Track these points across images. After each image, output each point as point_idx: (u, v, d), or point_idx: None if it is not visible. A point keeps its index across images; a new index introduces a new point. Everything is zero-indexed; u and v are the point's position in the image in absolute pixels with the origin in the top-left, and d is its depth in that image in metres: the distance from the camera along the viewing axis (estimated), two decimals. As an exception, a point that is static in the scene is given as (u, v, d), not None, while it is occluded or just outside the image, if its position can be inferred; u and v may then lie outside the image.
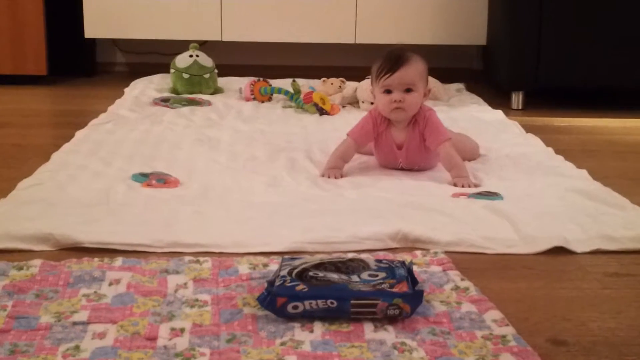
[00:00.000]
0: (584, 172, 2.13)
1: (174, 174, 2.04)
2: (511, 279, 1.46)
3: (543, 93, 3.33)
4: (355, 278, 1.29)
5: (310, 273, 1.30)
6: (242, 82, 3.29)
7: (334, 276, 1.29)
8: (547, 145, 2.44)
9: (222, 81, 3.40)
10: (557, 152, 2.36)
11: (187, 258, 1.48)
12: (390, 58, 2.04)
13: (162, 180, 1.98)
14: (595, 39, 3.04)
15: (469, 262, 1.51)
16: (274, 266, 1.43)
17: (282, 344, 1.16)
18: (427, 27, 3.62)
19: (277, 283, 1.27)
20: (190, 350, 1.13)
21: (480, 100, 3.25)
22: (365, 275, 1.30)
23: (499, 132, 2.64)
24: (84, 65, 3.80)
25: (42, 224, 1.60)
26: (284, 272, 1.30)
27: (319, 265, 1.33)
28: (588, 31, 3.04)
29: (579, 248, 1.59)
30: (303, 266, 1.32)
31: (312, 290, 1.24)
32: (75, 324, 1.20)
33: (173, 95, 3.20)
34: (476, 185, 2.00)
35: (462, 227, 1.66)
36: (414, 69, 2.03)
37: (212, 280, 1.38)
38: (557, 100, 3.33)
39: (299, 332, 1.19)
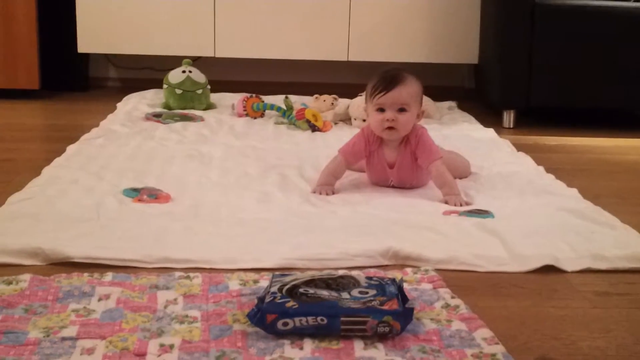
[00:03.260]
0: (575, 190, 2.14)
1: (166, 189, 2.04)
2: (501, 297, 1.46)
3: (534, 112, 3.35)
4: (345, 295, 1.28)
5: (301, 289, 1.29)
6: (235, 98, 3.29)
7: (325, 293, 1.29)
8: (538, 163, 2.45)
9: (214, 97, 3.41)
10: (548, 170, 2.37)
11: (177, 274, 1.47)
12: (385, 77, 2.05)
13: (154, 195, 1.97)
14: (587, 59, 3.06)
15: (459, 280, 1.51)
16: (264, 282, 1.43)
17: (272, 361, 1.15)
18: (420, 46, 3.64)
19: (267, 299, 1.26)
20: (179, 367, 1.13)
21: (472, 118, 3.26)
22: (355, 292, 1.30)
23: (490, 151, 2.65)
24: (76, 80, 3.80)
25: (32, 239, 1.60)
26: (274, 289, 1.30)
27: (310, 282, 1.33)
28: (579, 51, 3.06)
29: (569, 267, 1.59)
30: (293, 282, 1.32)
31: (302, 307, 1.24)
32: (64, 339, 1.20)
33: (165, 110, 3.21)
34: (467, 203, 2.00)
35: (453, 245, 1.66)
36: (408, 90, 2.04)
37: (202, 296, 1.38)
38: (548, 119, 3.35)
39: (288, 349, 1.19)
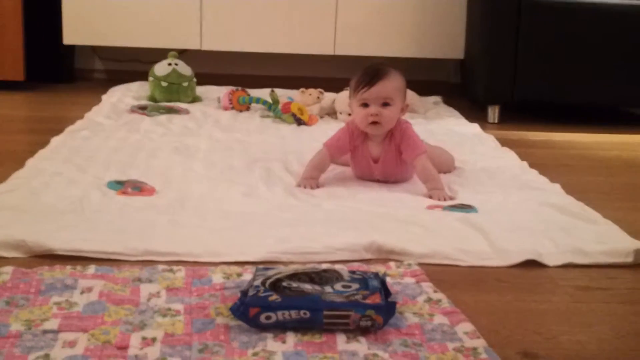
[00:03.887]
0: (557, 186, 2.15)
1: (150, 182, 2.04)
2: (483, 291, 1.47)
3: (519, 107, 3.36)
4: (328, 289, 1.29)
5: (284, 283, 1.30)
6: (221, 91, 3.29)
7: (308, 287, 1.29)
8: (522, 159, 2.47)
9: (200, 90, 3.40)
10: (532, 166, 2.38)
11: (160, 267, 1.47)
12: (368, 72, 2.05)
13: (138, 188, 1.97)
14: (571, 55, 3.08)
15: (442, 274, 1.52)
16: (247, 276, 1.43)
17: (255, 354, 1.15)
18: (406, 40, 3.64)
19: (251, 293, 1.27)
20: (161, 360, 1.13)
21: (457, 113, 3.27)
22: (338, 286, 1.30)
23: (474, 145, 2.66)
24: (62, 72, 3.78)
25: (15, 231, 1.59)
26: (257, 282, 1.30)
27: (293, 276, 1.33)
28: (564, 47, 3.08)
29: (551, 261, 1.60)
30: (277, 276, 1.32)
31: (285, 300, 1.24)
32: (45, 332, 1.19)
33: (151, 103, 3.20)
34: (451, 198, 2.01)
35: (436, 239, 1.67)
36: (392, 84, 2.04)
37: (185, 289, 1.38)
38: (532, 115, 3.37)
39: (271, 343, 1.19)
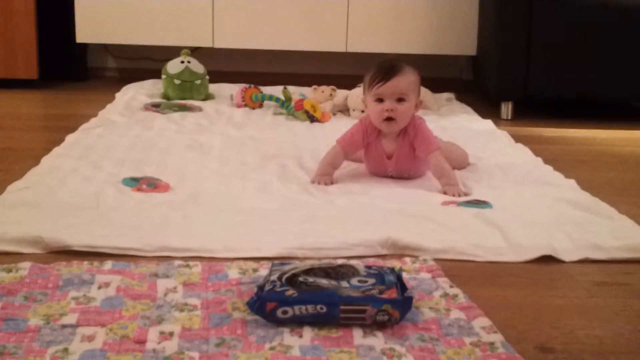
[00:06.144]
0: (573, 182, 2.14)
1: (165, 178, 2.04)
2: (500, 286, 1.47)
3: (532, 103, 3.35)
4: (344, 284, 1.29)
5: (300, 278, 1.30)
6: (234, 89, 3.30)
7: (324, 282, 1.29)
8: (536, 155, 2.46)
9: (213, 87, 3.40)
10: (546, 162, 2.37)
11: (177, 262, 1.48)
12: (383, 67, 2.05)
13: (153, 184, 1.98)
14: (584, 50, 3.07)
15: (458, 270, 1.52)
16: (263, 271, 1.43)
17: (271, 348, 1.16)
18: (418, 37, 3.64)
19: (267, 288, 1.27)
20: (179, 354, 1.13)
21: (470, 109, 3.27)
22: (354, 281, 1.30)
23: (488, 142, 2.65)
24: (75, 70, 3.80)
25: (32, 227, 1.60)
26: (273, 277, 1.30)
27: (309, 271, 1.33)
28: (577, 42, 3.07)
29: (567, 257, 1.60)
30: (293, 271, 1.33)
31: (301, 295, 1.24)
32: (64, 326, 1.20)
33: (164, 100, 3.20)
34: (466, 194, 2.01)
35: (451, 235, 1.67)
36: (407, 80, 2.04)
37: (201, 284, 1.38)
38: (545, 111, 3.36)
39: (288, 337, 1.19)
